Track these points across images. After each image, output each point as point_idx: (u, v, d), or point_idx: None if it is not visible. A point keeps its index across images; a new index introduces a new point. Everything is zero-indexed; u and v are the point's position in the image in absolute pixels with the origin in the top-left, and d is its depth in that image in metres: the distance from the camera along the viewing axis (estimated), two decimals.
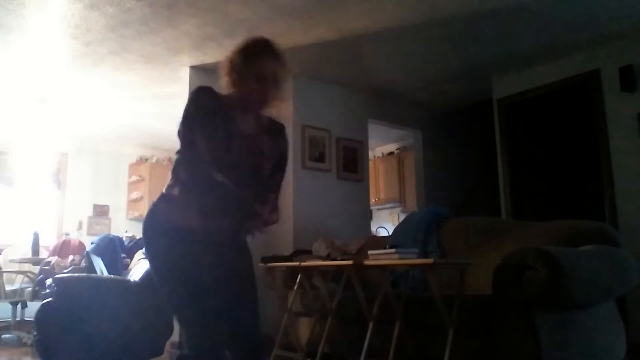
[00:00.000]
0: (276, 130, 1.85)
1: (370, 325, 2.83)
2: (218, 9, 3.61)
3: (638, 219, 3.92)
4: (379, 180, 7.14)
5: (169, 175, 1.73)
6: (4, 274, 5.06)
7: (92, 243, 4.49)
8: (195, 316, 1.64)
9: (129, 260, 4.34)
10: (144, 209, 6.88)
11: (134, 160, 7.46)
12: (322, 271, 3.27)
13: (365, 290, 2.91)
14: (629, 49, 4.09)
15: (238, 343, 1.70)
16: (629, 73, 4.05)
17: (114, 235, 4.60)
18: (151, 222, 1.72)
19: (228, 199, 1.64)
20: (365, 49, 4.38)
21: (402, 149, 7.00)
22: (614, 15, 3.78)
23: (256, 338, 1.76)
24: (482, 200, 5.73)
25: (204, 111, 1.65)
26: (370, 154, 6.69)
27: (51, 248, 5.60)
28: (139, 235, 4.65)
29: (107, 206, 7.23)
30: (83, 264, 4.41)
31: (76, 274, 3.84)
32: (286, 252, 3.97)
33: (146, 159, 7.43)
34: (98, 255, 4.17)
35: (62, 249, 5.44)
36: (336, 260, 3.13)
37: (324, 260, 3.33)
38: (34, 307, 3.90)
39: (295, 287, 3.48)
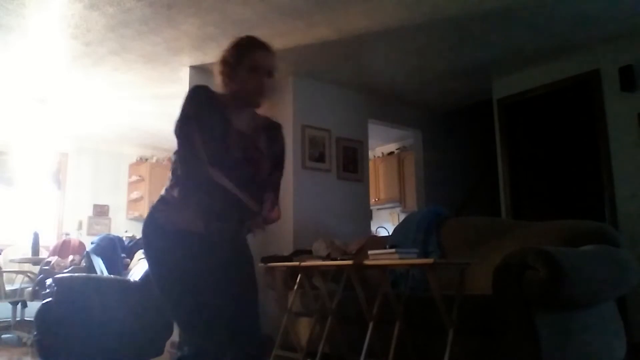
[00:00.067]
0: (273, 129, 1.85)
1: (370, 325, 2.83)
2: (218, 9, 3.61)
3: (638, 219, 3.92)
4: (379, 180, 7.14)
5: (169, 175, 1.73)
6: (4, 274, 5.07)
7: (92, 243, 4.48)
8: (195, 316, 1.63)
9: (129, 260, 4.34)
10: (144, 209, 6.88)
11: (134, 160, 7.46)
12: (322, 271, 3.27)
13: (365, 290, 2.91)
14: (629, 49, 4.09)
15: (238, 343, 1.69)
16: (629, 73, 4.05)
17: (114, 235, 4.60)
18: (150, 225, 1.72)
19: (227, 199, 1.64)
20: (365, 49, 4.38)
21: (402, 149, 7.00)
22: (614, 15, 3.78)
23: (256, 338, 1.75)
24: (482, 200, 5.72)
25: (201, 110, 1.65)
26: (370, 154, 6.69)
27: (51, 248, 5.60)
28: (139, 235, 4.65)
29: (107, 206, 7.23)
30: (83, 264, 4.41)
31: (76, 274, 3.84)
32: (286, 252, 3.97)
33: (146, 159, 7.43)
34: (98, 255, 4.17)
35: (62, 249, 5.44)
36: (336, 260, 3.13)
37: (324, 260, 3.33)
38: (34, 307, 3.91)
39: (295, 287, 3.48)
